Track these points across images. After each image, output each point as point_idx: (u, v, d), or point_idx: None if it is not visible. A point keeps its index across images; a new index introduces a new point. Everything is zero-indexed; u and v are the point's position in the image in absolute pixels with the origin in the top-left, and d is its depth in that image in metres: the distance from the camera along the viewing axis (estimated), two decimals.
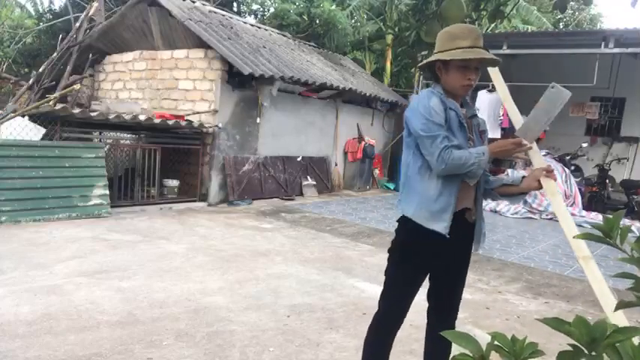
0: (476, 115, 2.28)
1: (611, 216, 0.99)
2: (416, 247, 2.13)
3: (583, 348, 0.74)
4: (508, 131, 10.95)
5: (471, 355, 0.74)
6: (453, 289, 2.28)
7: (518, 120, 2.30)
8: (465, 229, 2.18)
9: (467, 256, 2.28)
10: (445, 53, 2.07)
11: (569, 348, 0.76)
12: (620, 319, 1.61)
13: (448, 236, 2.04)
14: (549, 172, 2.16)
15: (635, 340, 0.77)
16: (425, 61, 2.23)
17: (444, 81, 2.14)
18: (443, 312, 2.28)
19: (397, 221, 2.24)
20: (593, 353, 0.73)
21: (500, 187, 2.29)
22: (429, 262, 2.15)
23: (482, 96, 9.95)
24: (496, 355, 0.78)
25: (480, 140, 2.22)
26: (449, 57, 2.05)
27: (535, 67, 11.01)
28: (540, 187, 2.19)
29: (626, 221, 8.50)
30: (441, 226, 2.06)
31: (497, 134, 10.08)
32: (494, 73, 2.43)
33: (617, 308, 0.94)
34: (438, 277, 2.21)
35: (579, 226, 8.39)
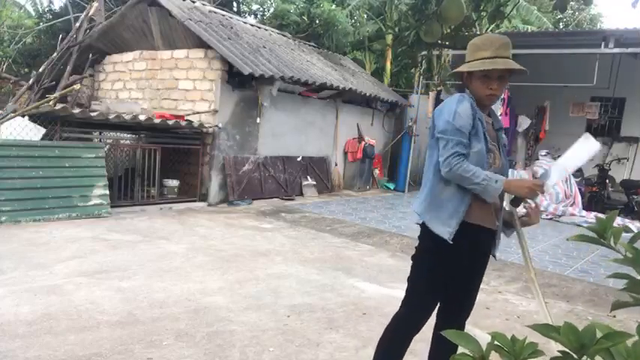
0: (502, 129, 2.30)
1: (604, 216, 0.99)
2: (439, 254, 2.14)
3: (573, 354, 0.74)
4: (507, 131, 10.96)
5: (471, 354, 0.74)
6: (467, 293, 2.29)
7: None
8: (487, 236, 2.19)
9: (486, 261, 2.29)
10: (467, 64, 2.15)
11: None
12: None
13: (451, 242, 2.05)
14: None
15: (629, 342, 0.77)
16: (452, 72, 2.32)
17: (471, 90, 2.19)
18: (452, 314, 2.29)
19: (420, 225, 2.24)
20: (584, 358, 0.74)
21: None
22: (452, 268, 2.15)
23: None
24: (496, 355, 0.79)
25: (504, 153, 2.25)
26: (467, 69, 2.13)
27: (535, 67, 10.96)
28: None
29: (626, 221, 8.50)
30: (445, 230, 2.07)
31: None
32: None
33: (612, 308, 0.95)
34: (454, 281, 2.21)
35: (579, 225, 8.45)
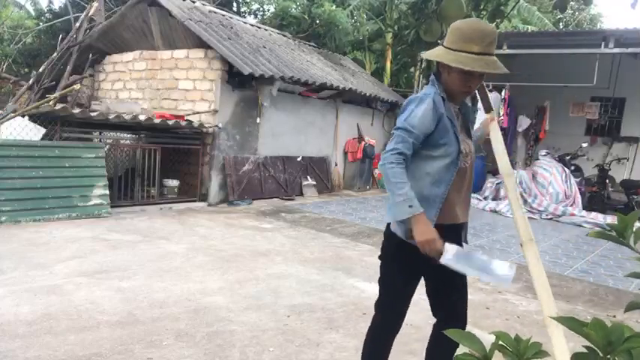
0: (465, 105, 2.20)
1: (613, 216, 0.98)
2: (402, 253, 2.05)
3: (599, 351, 0.73)
4: (507, 131, 10.95)
5: (474, 354, 0.73)
6: (452, 289, 2.16)
7: (504, 161, 2.15)
8: (456, 230, 2.13)
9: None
10: (451, 54, 1.93)
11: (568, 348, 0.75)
12: (551, 309, 1.59)
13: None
14: (492, 120, 2.24)
15: None
16: (429, 55, 2.06)
17: (445, 80, 2.02)
18: (450, 317, 2.19)
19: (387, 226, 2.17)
20: (609, 357, 0.72)
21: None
22: (419, 266, 2.05)
23: None
24: (498, 355, 0.78)
25: (471, 131, 2.21)
26: (453, 63, 1.91)
27: (535, 67, 11.01)
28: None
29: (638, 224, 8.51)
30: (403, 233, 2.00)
31: None
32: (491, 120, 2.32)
33: (627, 309, 0.94)
34: (432, 280, 2.15)
35: (579, 226, 8.46)
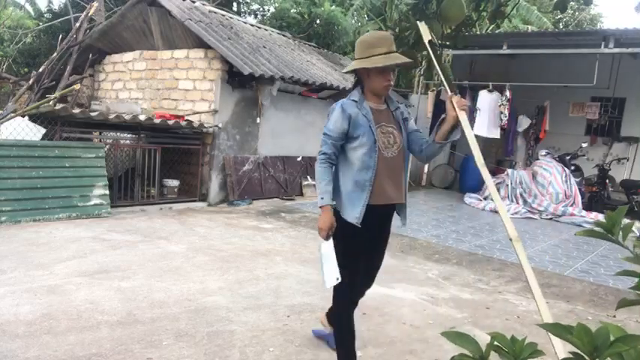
0: (399, 108, 2.59)
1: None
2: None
3: (585, 356, 0.72)
4: (508, 132, 10.94)
5: (470, 355, 0.73)
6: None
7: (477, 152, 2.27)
8: (388, 211, 2.56)
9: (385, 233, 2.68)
10: (366, 60, 2.37)
11: (569, 349, 0.75)
12: (545, 313, 1.61)
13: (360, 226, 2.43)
14: (461, 104, 2.35)
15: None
16: (348, 69, 2.52)
17: (368, 84, 2.45)
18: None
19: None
20: None
21: (435, 141, 2.49)
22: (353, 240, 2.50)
23: (483, 95, 9.96)
24: (496, 355, 0.78)
25: (404, 127, 2.54)
26: (371, 65, 2.36)
27: (535, 67, 11.00)
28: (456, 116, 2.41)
29: (626, 221, 8.50)
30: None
31: (497, 134, 10.07)
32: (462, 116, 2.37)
33: (618, 306, 0.94)
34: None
35: (579, 226, 8.45)
